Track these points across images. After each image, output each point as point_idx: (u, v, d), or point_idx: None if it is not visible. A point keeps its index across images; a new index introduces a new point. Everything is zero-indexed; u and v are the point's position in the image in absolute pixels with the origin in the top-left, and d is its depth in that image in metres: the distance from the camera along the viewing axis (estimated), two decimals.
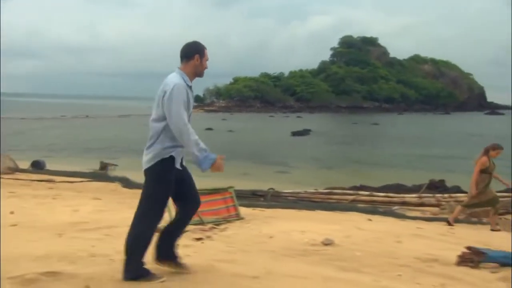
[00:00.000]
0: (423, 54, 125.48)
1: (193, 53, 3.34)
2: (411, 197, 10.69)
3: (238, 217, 6.05)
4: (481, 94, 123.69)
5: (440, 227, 7.11)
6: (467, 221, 8.63)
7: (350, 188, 12.73)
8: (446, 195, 10.63)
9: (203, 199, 5.22)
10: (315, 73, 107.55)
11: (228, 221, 5.85)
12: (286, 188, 12.17)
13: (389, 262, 4.15)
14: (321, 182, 14.61)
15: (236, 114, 72.87)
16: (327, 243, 4.58)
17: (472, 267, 4.30)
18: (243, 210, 6.86)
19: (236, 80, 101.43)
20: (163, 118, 3.20)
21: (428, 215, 9.69)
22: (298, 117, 67.47)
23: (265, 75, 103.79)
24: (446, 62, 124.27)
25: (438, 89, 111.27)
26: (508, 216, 9.42)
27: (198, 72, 3.40)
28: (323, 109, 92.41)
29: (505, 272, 4.03)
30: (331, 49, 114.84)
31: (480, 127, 51.51)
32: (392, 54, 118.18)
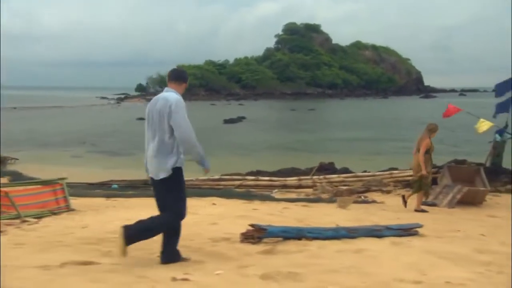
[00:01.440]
0: (364, 40, 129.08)
1: (183, 78, 4.09)
2: (291, 180, 11.40)
3: (68, 209, 6.32)
4: (419, 78, 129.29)
5: (276, 206, 7.68)
6: (307, 199, 9.27)
7: (248, 173, 13.35)
8: (321, 176, 11.40)
9: (30, 191, 5.49)
10: (260, 60, 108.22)
11: (55, 213, 6.09)
12: (190, 176, 12.56)
13: (190, 246, 4.43)
14: (228, 169, 15.07)
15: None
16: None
17: (253, 243, 4.71)
18: (97, 201, 7.14)
19: None
20: (173, 132, 3.80)
21: (302, 196, 10.42)
22: (240, 104, 67.94)
23: (210, 63, 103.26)
24: (386, 47, 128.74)
25: (378, 74, 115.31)
26: (371, 194, 10.32)
27: (182, 92, 4.08)
28: (268, 96, 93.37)
29: (270, 245, 4.58)
30: (275, 36, 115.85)
31: (411, 110, 54.31)
32: (334, 41, 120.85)
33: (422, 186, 8.15)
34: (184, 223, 5.62)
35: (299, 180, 11.32)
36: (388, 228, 5.42)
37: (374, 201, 9.21)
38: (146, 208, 6.87)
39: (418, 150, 8.14)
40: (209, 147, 21.99)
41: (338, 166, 14.23)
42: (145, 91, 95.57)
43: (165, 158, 3.80)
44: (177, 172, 3.82)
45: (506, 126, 10.81)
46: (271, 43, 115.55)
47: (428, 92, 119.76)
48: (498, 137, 10.52)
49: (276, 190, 10.85)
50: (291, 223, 5.86)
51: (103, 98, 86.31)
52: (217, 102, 75.40)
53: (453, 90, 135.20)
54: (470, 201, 9.04)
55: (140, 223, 3.84)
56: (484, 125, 9.56)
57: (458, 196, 8.76)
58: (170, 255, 3.90)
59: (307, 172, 13.59)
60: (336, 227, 5.40)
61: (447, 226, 6.45)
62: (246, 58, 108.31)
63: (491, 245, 5.23)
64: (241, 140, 25.14)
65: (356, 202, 9.17)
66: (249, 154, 20.47)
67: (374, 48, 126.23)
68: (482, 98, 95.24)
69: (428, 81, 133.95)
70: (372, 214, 7.18)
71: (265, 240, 4.86)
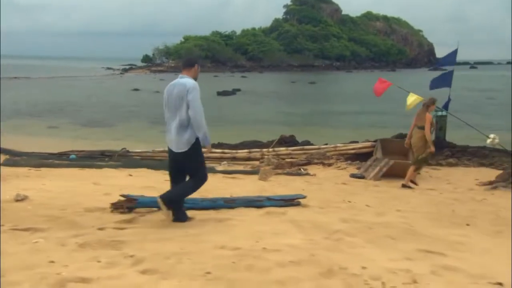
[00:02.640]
0: (376, 11, 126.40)
1: (193, 63, 4.70)
2: (241, 153, 11.74)
3: None
4: (431, 50, 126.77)
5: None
6: (244, 171, 9.56)
7: (216, 145, 13.72)
8: (271, 149, 11.72)
9: None
10: (268, 31, 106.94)
11: None
12: (148, 147, 12.98)
13: (52, 215, 4.64)
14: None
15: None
16: (19, 198, 5.29)
17: (124, 212, 4.85)
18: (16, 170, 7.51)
19: (186, 39, 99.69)
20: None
21: (248, 168, 10.78)
22: (243, 76, 67.78)
23: (217, 34, 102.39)
24: (398, 19, 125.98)
25: (388, 46, 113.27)
26: (312, 166, 10.65)
27: (195, 77, 4.69)
28: (275, 68, 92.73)
29: (133, 215, 4.86)
30: (284, 6, 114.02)
31: (414, 83, 53.55)
32: (344, 11, 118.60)
33: (419, 162, 8.24)
34: (77, 192, 6.03)
35: (249, 152, 11.65)
36: (269, 198, 5.67)
37: (307, 174, 9.54)
38: (60, 178, 7.29)
39: (417, 126, 8.22)
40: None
41: (313, 139, 14.46)
42: (151, 62, 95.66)
43: (185, 134, 4.47)
44: (195, 144, 4.51)
45: (449, 100, 10.94)
46: (281, 13, 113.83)
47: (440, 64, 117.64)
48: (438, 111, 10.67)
49: (224, 162, 11.21)
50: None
51: (108, 68, 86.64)
52: (222, 74, 75.23)
53: (466, 63, 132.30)
54: (400, 174, 9.29)
55: (173, 190, 4.66)
56: (412, 99, 9.70)
57: (384, 169, 9.04)
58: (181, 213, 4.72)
59: (268, 144, 13.91)
60: (214, 198, 5.67)
61: (344, 197, 6.75)
62: (253, 29, 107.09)
63: (362, 215, 5.54)
64: (225, 112, 25.43)
65: (290, 174, 9.52)
66: (226, 126, 20.78)
67: (386, 19, 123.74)
68: (494, 71, 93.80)
69: (442, 53, 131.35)
70: (284, 185, 7.51)
71: (142, 210, 5.12)
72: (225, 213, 5.21)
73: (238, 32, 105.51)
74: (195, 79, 4.67)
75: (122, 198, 5.10)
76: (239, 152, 11.78)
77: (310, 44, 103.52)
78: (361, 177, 9.17)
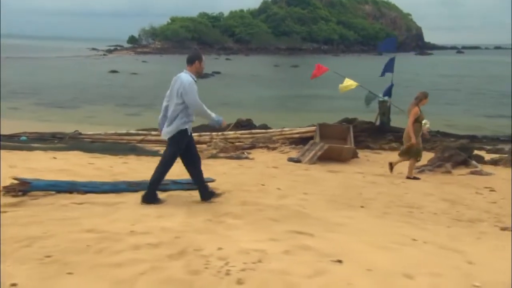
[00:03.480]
0: None
1: (194, 59, 5.02)
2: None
3: None
4: (419, 34, 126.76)
5: (128, 161, 8.20)
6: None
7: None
8: (219, 133, 11.86)
9: None
10: (256, 13, 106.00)
11: None
12: (99, 130, 13.08)
13: None
14: (154, 124, 15.45)
15: (168, 56, 71.72)
16: None
17: (16, 196, 4.82)
18: None
19: (173, 20, 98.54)
20: (182, 103, 4.90)
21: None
22: (227, 59, 67.42)
23: (204, 15, 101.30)
24: (387, 2, 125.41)
25: (376, 30, 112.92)
26: (256, 150, 10.84)
27: (198, 72, 5.09)
28: (262, 51, 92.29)
29: (20, 199, 4.96)
30: None
31: (397, 68, 53.78)
32: None
33: (412, 153, 8.09)
34: None
35: (199, 136, 11.77)
36: (175, 182, 5.71)
37: (247, 157, 9.73)
38: None
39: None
40: (159, 100, 22.41)
41: (277, 123, 14.60)
42: (137, 43, 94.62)
43: (172, 124, 4.97)
44: (176, 136, 4.99)
45: (392, 85, 11.14)
46: None
47: (429, 48, 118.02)
48: (380, 96, 10.87)
49: None
50: (104, 178, 6.21)
51: (93, 49, 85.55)
52: (207, 56, 74.39)
53: (454, 47, 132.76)
54: (336, 158, 9.55)
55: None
56: (347, 84, 9.88)
57: (319, 153, 9.25)
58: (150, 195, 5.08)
59: (226, 128, 14.06)
60: (116, 181, 5.69)
61: (262, 180, 6.92)
62: (241, 11, 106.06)
63: (264, 198, 5.69)
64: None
65: (230, 157, 9.70)
66: None
67: (375, 2, 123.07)
68: (481, 56, 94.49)
69: (433, 37, 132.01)
70: (208, 169, 7.64)
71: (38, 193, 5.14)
72: (123, 197, 5.24)
73: (227, 13, 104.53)
74: (198, 73, 5.09)
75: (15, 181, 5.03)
76: None
77: (298, 27, 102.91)
78: (298, 161, 9.38)
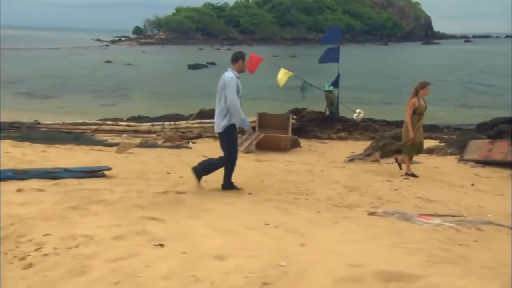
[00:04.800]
0: None
1: (237, 59, 5.60)
2: (144, 126, 12.06)
3: None
4: (428, 24, 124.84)
5: (55, 150, 8.36)
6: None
7: (128, 119, 14.06)
8: (172, 123, 12.01)
9: None
10: (261, 3, 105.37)
11: None
12: (56, 120, 13.29)
13: None
14: (135, 113, 15.58)
15: (169, 47, 71.90)
16: None
17: None
18: None
19: (178, 11, 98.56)
20: (226, 100, 5.42)
21: (147, 140, 11.11)
22: (229, 49, 67.27)
23: (209, 5, 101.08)
24: None
25: (383, 19, 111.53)
26: (202, 140, 10.98)
27: (242, 70, 5.65)
28: (267, 41, 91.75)
29: None
30: None
31: (399, 58, 53.49)
32: None
33: (408, 149, 7.59)
34: None
35: (152, 125, 11.97)
36: (67, 170, 5.85)
37: (185, 147, 9.87)
38: None
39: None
40: (138, 91, 22.76)
41: (248, 111, 14.57)
42: (142, 34, 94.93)
43: (223, 120, 5.52)
44: (227, 129, 5.55)
45: (339, 75, 11.15)
46: None
47: (438, 38, 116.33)
48: (326, 86, 10.90)
49: (125, 135, 11.54)
50: (8, 166, 6.28)
51: (98, 40, 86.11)
52: (210, 47, 74.64)
53: (464, 36, 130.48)
54: (276, 147, 9.65)
55: (203, 163, 5.84)
56: (282, 75, 9.94)
57: (254, 142, 9.36)
58: (226, 185, 5.79)
59: (188, 117, 14.20)
60: (3, 169, 5.68)
61: (173, 169, 7.05)
62: (246, 1, 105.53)
63: (156, 186, 5.81)
64: (183, 86, 25.64)
65: (170, 147, 9.86)
66: (177, 99, 21.05)
67: None
68: (489, 45, 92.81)
69: (444, 26, 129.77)
70: (128, 158, 7.80)
71: None
72: (7, 185, 5.31)
73: (231, 3, 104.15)
74: (241, 71, 5.63)
75: None
76: (142, 125, 12.10)
77: (303, 17, 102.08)
78: None
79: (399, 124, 13.37)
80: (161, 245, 3.79)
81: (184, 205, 5.10)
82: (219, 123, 5.58)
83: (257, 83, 23.69)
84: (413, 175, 7.57)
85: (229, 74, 5.50)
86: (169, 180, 6.24)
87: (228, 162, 5.73)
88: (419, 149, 7.69)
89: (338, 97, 11.62)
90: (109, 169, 6.23)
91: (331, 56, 11.11)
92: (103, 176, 6.11)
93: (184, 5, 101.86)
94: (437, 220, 5.13)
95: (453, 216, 5.46)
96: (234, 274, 3.30)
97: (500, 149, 8.09)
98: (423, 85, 7.44)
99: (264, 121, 10.13)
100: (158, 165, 7.27)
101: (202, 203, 5.25)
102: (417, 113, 7.41)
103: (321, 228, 4.64)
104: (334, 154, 9.71)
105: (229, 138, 5.63)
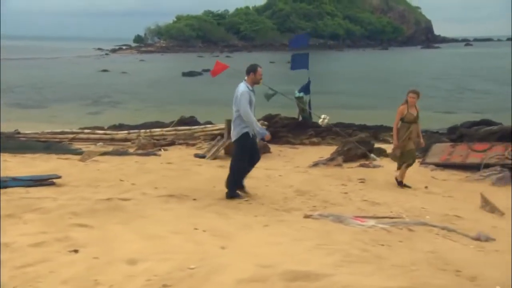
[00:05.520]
0: None
1: (249, 71, 5.86)
2: (121, 134, 12.19)
3: None
4: (428, 28, 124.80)
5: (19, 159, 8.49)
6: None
7: (109, 127, 14.23)
8: (147, 131, 12.13)
9: None
10: (261, 10, 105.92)
11: None
12: (41, 128, 13.45)
13: None
14: (111, 122, 15.81)
15: (169, 55, 72.39)
16: None
17: None
18: None
19: (178, 19, 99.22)
20: (238, 110, 5.71)
21: (120, 148, 11.24)
22: (228, 56, 67.63)
23: (209, 13, 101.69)
24: None
25: (383, 24, 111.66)
26: (174, 147, 11.10)
27: (254, 82, 5.90)
28: (268, 48, 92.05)
29: None
30: None
31: (398, 63, 53.53)
32: None
33: (401, 157, 7.26)
34: None
35: (128, 133, 12.10)
36: (14, 179, 5.91)
37: (154, 154, 9.98)
38: None
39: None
40: (131, 99, 22.97)
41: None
42: (143, 42, 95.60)
43: (236, 128, 5.84)
44: (240, 139, 5.83)
45: (309, 82, 11.24)
46: None
47: (439, 42, 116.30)
48: (296, 93, 11.01)
49: (100, 143, 11.68)
50: None
51: (98, 49, 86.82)
52: (209, 54, 74.93)
53: (465, 40, 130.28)
54: None
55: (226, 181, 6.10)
56: None
57: (221, 148, 9.47)
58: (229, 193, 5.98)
59: (168, 125, 14.33)
60: None
61: (128, 177, 7.11)
62: (247, 8, 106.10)
63: (100, 194, 5.91)
64: (173, 93, 25.86)
65: (141, 154, 9.98)
66: (159, 107, 21.21)
67: None
68: (489, 48, 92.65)
69: (446, 30, 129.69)
70: (91, 169, 7.89)
71: None
72: None
73: (232, 11, 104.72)
74: (255, 83, 5.91)
75: None
76: (118, 134, 12.24)
77: (303, 23, 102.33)
78: (203, 156, 9.61)
79: (376, 128, 13.49)
80: (76, 251, 3.89)
81: (122, 212, 5.20)
82: (232, 132, 5.95)
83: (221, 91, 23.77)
84: (401, 183, 7.23)
85: (242, 87, 5.76)
86: (119, 187, 6.34)
87: (235, 167, 5.97)
88: (408, 159, 7.21)
89: (309, 103, 11.72)
90: (59, 177, 6.30)
91: (301, 63, 11.22)
92: (52, 184, 6.19)
93: (185, 13, 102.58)
94: (371, 222, 5.22)
95: (390, 218, 5.54)
96: (138, 277, 3.40)
97: (459, 152, 8.15)
98: (408, 93, 7.17)
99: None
100: (115, 173, 7.37)
101: (141, 209, 5.35)
102: (405, 121, 7.09)
103: (250, 231, 4.73)
104: (302, 159, 9.79)
105: (238, 147, 5.92)
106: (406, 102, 7.12)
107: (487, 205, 5.98)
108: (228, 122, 10.63)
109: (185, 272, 3.49)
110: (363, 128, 14.26)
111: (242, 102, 5.65)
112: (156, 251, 3.92)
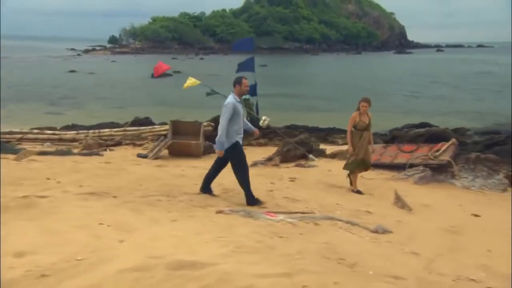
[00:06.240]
0: None
1: (235, 84, 6.01)
2: (69, 134, 12.14)
3: None
4: (402, 33, 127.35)
5: None
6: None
7: (63, 128, 14.12)
8: (96, 131, 12.12)
9: None
10: (238, 13, 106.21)
11: None
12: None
13: None
14: (68, 122, 15.68)
15: (143, 56, 71.82)
16: None
17: None
18: None
19: (154, 20, 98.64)
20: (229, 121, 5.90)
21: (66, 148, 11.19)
22: (201, 59, 67.72)
23: (185, 15, 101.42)
24: (369, 1, 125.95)
25: (358, 29, 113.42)
26: (121, 147, 11.13)
27: (241, 93, 6.08)
28: (244, 51, 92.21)
29: None
30: None
31: (365, 67, 54.49)
32: None
33: (352, 165, 7.23)
34: None
35: (77, 134, 12.06)
36: None
37: (98, 154, 9.99)
38: None
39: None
40: (92, 100, 22.81)
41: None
42: (118, 43, 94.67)
43: (226, 138, 5.98)
44: (232, 148, 6.03)
45: (256, 84, 11.45)
46: None
47: (412, 47, 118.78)
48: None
49: (47, 143, 11.60)
50: None
51: (72, 49, 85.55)
52: (184, 56, 74.75)
53: (438, 46, 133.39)
54: (187, 153, 9.85)
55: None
56: (189, 82, 10.22)
57: (163, 148, 9.55)
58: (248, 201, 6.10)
59: (123, 125, 14.30)
60: None
61: (55, 176, 7.14)
62: (223, 10, 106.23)
63: (23, 192, 5.93)
64: (137, 94, 25.74)
65: (84, 154, 9.97)
66: (119, 108, 21.12)
67: (358, 1, 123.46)
68: (458, 54, 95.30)
69: (420, 36, 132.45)
70: (22, 168, 7.86)
71: None
72: None
73: (208, 13, 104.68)
74: (242, 95, 6.12)
75: None
76: (67, 134, 12.18)
77: (279, 27, 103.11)
78: (145, 156, 9.68)
79: (328, 131, 13.80)
80: None
81: (34, 209, 5.22)
82: (224, 141, 6.05)
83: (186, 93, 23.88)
84: (358, 192, 7.17)
85: (229, 99, 5.99)
86: (41, 186, 6.35)
87: (239, 173, 6.13)
88: (360, 166, 7.19)
89: (257, 105, 11.90)
90: None
91: (247, 66, 11.42)
92: None
93: (161, 14, 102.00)
94: (281, 216, 5.40)
95: (302, 213, 5.74)
96: (18, 269, 3.45)
97: (390, 153, 8.44)
98: (360, 101, 7.14)
99: (178, 128, 10.33)
100: (44, 172, 7.37)
101: (55, 206, 5.38)
102: (357, 129, 7.11)
103: (156, 226, 4.82)
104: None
105: (234, 157, 6.07)
106: (359, 109, 7.14)
107: (399, 202, 6.24)
108: (173, 123, 10.80)
109: (70, 263, 3.57)
110: (315, 130, 14.61)
111: (224, 113, 5.88)
112: (48, 245, 3.98)
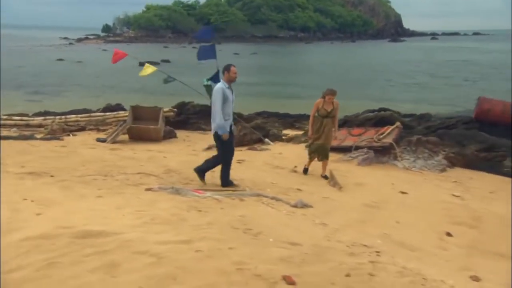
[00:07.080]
0: None
1: (224, 71, 6.18)
2: (36, 120, 12.27)
3: None
4: (398, 22, 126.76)
5: None
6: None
7: (35, 114, 14.24)
8: (63, 117, 12.25)
9: None
10: (232, 1, 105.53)
11: None
12: None
13: None
14: (46, 109, 15.77)
15: (135, 45, 71.51)
16: None
17: None
18: None
19: (148, 9, 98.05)
20: None
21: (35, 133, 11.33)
22: (194, 47, 67.34)
23: (179, 3, 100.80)
24: None
25: (353, 17, 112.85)
26: (85, 132, 11.28)
27: (230, 80, 6.14)
28: (238, 39, 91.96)
29: None
30: None
31: (357, 55, 54.41)
32: None
33: (312, 150, 7.40)
34: None
35: (44, 119, 12.20)
36: None
37: (58, 139, 10.13)
38: None
39: None
40: (75, 87, 22.87)
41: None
42: (111, 32, 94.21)
43: (213, 123, 6.17)
44: (218, 132, 6.15)
45: (218, 71, 11.55)
46: None
47: (408, 35, 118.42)
48: (204, 81, 11.30)
49: (14, 129, 11.74)
50: None
51: (65, 38, 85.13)
52: (176, 45, 74.54)
53: (433, 34, 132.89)
54: (148, 138, 10.01)
55: (204, 163, 6.41)
56: (147, 69, 10.33)
57: (120, 133, 9.71)
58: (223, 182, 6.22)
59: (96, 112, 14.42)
60: None
61: (21, 158, 7.32)
62: None
63: None
64: (121, 82, 25.79)
65: (45, 139, 10.12)
66: (100, 96, 21.21)
67: None
68: (455, 42, 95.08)
69: (417, 24, 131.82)
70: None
71: None
72: None
73: (202, 1, 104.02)
74: (231, 81, 6.17)
75: None
76: (34, 119, 12.31)
77: (274, 15, 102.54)
78: (104, 140, 9.83)
79: (298, 117, 13.96)
80: None
81: None
82: (212, 125, 6.25)
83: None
84: (304, 170, 7.49)
85: (218, 85, 6.19)
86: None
87: (221, 161, 6.30)
88: (318, 152, 7.32)
89: None
90: None
91: (208, 54, 11.49)
92: None
93: (156, 2, 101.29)
94: (208, 193, 5.59)
95: (232, 190, 5.94)
96: None
97: (340, 136, 8.59)
98: (327, 93, 7.26)
99: (138, 114, 10.47)
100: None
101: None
102: (319, 115, 7.29)
103: (79, 201, 4.99)
104: (204, 144, 10.11)
105: (219, 140, 6.22)
106: (323, 97, 7.29)
107: (332, 180, 6.42)
108: (132, 108, 10.94)
109: None
110: (285, 116, 14.77)
111: (214, 98, 6.10)
112: None
